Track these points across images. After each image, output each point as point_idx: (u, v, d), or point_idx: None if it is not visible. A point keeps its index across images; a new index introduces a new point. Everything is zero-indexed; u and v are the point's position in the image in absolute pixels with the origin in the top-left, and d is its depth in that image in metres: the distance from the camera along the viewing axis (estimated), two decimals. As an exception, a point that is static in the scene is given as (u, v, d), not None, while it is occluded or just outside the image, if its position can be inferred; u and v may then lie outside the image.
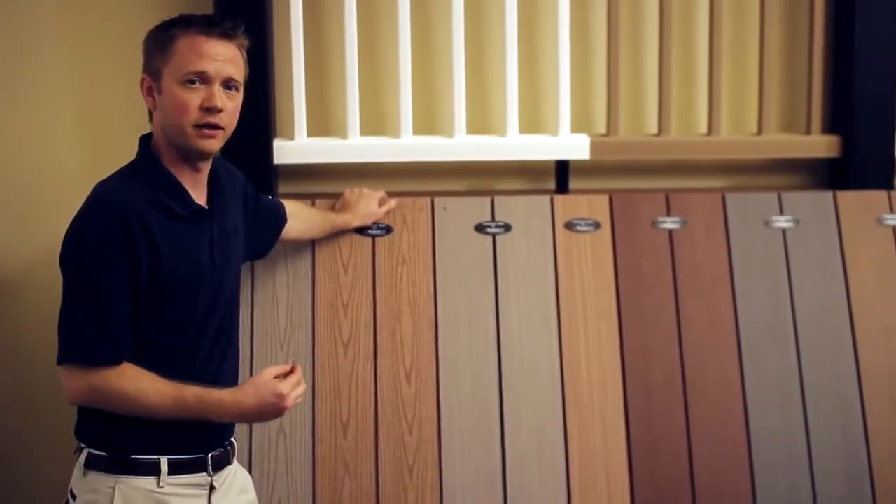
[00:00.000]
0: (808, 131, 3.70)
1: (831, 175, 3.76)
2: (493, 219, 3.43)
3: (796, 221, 3.53)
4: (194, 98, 2.46)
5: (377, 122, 3.60)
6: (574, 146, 3.57)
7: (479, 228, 3.42)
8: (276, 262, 3.30)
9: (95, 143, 3.53)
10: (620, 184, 3.71)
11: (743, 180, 3.79)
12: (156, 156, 2.52)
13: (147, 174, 2.50)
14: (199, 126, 2.47)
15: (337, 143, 3.52)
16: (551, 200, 3.47)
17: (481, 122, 3.64)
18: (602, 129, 3.66)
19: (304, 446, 3.21)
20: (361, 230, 3.36)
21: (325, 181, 3.59)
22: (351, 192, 3.37)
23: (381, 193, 3.38)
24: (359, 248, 3.36)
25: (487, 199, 3.45)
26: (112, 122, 3.51)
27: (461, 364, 3.31)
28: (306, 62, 3.48)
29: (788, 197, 3.56)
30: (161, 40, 2.49)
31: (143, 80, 2.52)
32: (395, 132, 3.56)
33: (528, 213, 3.45)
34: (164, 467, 2.51)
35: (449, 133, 3.56)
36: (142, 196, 2.45)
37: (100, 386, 2.43)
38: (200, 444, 2.57)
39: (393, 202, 3.38)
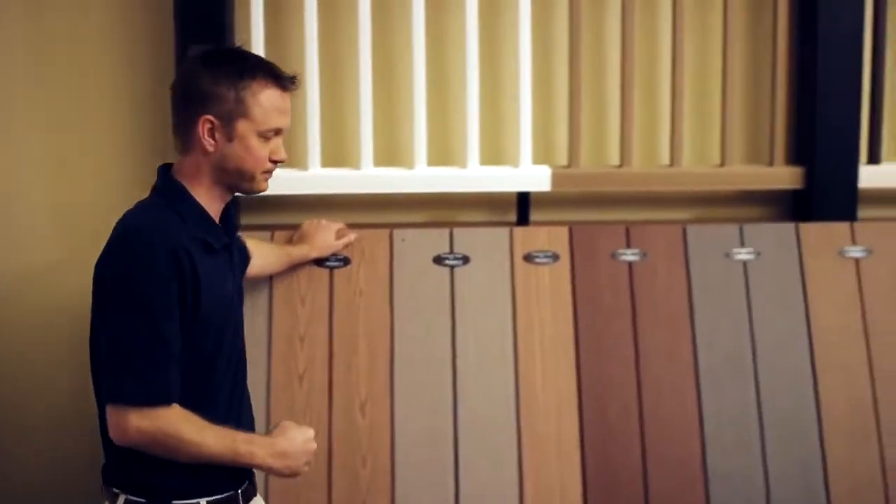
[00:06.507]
0: (771, 163, 3.70)
1: (795, 207, 3.75)
2: (451, 251, 3.42)
3: (757, 254, 3.52)
4: (266, 149, 2.53)
5: (338, 153, 3.60)
6: (535, 178, 3.57)
7: (438, 260, 3.41)
8: (233, 294, 3.30)
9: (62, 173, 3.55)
10: (583, 215, 3.71)
11: (707, 212, 3.79)
12: (185, 188, 2.53)
13: (179, 207, 2.50)
14: (264, 172, 2.56)
15: (298, 174, 3.52)
16: (510, 232, 3.46)
17: (442, 153, 3.64)
18: (564, 160, 3.65)
19: (257, 478, 3.19)
20: (319, 262, 3.35)
21: (285, 212, 3.59)
22: (309, 223, 3.37)
23: (339, 225, 3.38)
24: (317, 281, 3.36)
25: (446, 231, 3.44)
26: (79, 149, 3.56)
27: (416, 396, 3.30)
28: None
29: (750, 229, 3.55)
30: (239, 89, 2.49)
31: (205, 121, 2.49)
32: (355, 164, 3.56)
33: (486, 245, 3.44)
34: None
35: (410, 165, 3.56)
36: (181, 229, 2.46)
37: (158, 427, 2.40)
38: (232, 479, 2.58)
39: (352, 234, 3.37)
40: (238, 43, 2.82)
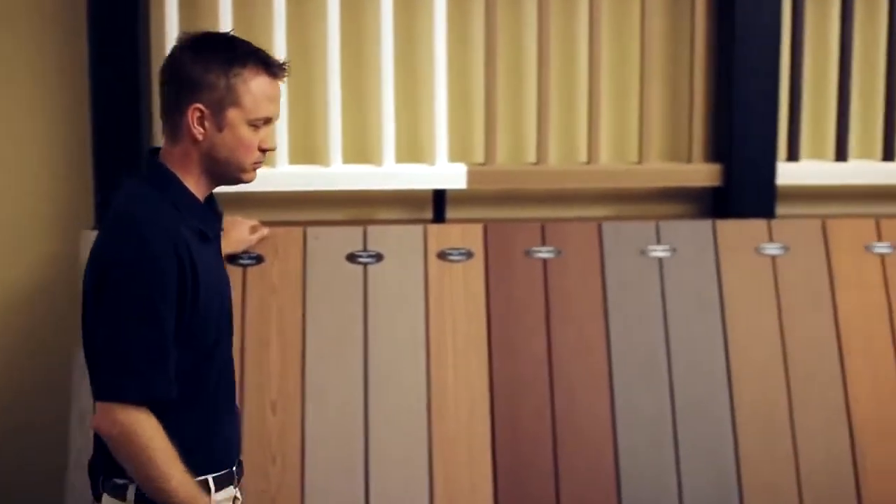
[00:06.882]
0: (689, 160, 3.70)
1: (714, 204, 3.75)
2: (365, 248, 3.41)
3: (673, 251, 3.52)
4: (256, 138, 2.47)
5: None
6: (450, 175, 3.56)
7: (351, 258, 3.40)
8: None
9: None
10: (501, 213, 3.70)
11: (626, 209, 3.79)
12: (176, 176, 2.49)
13: (171, 195, 2.46)
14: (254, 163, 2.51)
15: (212, 172, 3.50)
16: (424, 230, 3.45)
17: (359, 151, 3.62)
18: (482, 158, 3.65)
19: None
20: (233, 259, 3.34)
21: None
22: (224, 220, 3.35)
23: (252, 221, 3.37)
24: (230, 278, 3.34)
25: (360, 229, 3.43)
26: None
27: (328, 395, 3.29)
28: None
29: (666, 226, 3.55)
30: (230, 77, 2.44)
31: (194, 109, 2.43)
32: (270, 161, 3.54)
33: (400, 242, 3.43)
34: (212, 485, 2.50)
35: (325, 162, 3.55)
36: (178, 219, 2.43)
37: (135, 431, 2.34)
38: (231, 456, 2.58)
39: (265, 230, 3.36)
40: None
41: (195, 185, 2.50)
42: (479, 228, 3.48)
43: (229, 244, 3.28)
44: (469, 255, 3.44)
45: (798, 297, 3.54)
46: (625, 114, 3.74)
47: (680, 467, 3.35)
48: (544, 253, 3.47)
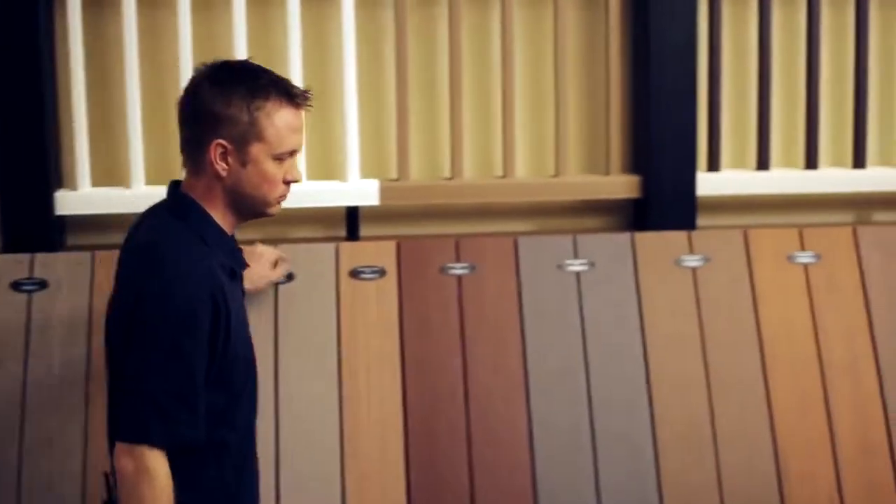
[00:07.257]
0: (607, 172, 3.65)
1: (634, 216, 3.71)
2: (275, 268, 3.36)
3: (591, 265, 3.47)
4: (281, 172, 2.45)
5: (163, 171, 3.50)
6: (363, 192, 3.51)
7: (262, 278, 3.34)
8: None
9: None
10: (417, 230, 3.65)
11: (544, 224, 3.74)
12: (206, 211, 2.45)
13: (201, 230, 2.43)
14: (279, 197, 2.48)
15: (121, 192, 3.45)
16: (336, 248, 3.40)
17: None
18: (395, 174, 3.59)
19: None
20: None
21: (112, 232, 3.50)
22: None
23: (275, 253, 3.21)
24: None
25: (270, 249, 3.38)
26: None
27: (238, 418, 3.23)
28: (90, 109, 3.42)
29: (584, 240, 3.50)
30: (252, 110, 2.40)
31: (217, 145, 2.40)
32: (180, 181, 3.48)
33: (311, 261, 3.38)
34: None
35: (235, 181, 3.49)
36: (210, 257, 2.39)
37: (153, 475, 2.29)
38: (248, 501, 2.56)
39: (287, 263, 3.24)
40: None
41: (222, 220, 2.47)
42: (392, 245, 3.43)
43: (250, 280, 3.03)
44: (382, 272, 3.39)
45: (720, 309, 3.50)
46: (541, 126, 3.69)
47: (599, 482, 3.30)
48: (459, 269, 3.42)
